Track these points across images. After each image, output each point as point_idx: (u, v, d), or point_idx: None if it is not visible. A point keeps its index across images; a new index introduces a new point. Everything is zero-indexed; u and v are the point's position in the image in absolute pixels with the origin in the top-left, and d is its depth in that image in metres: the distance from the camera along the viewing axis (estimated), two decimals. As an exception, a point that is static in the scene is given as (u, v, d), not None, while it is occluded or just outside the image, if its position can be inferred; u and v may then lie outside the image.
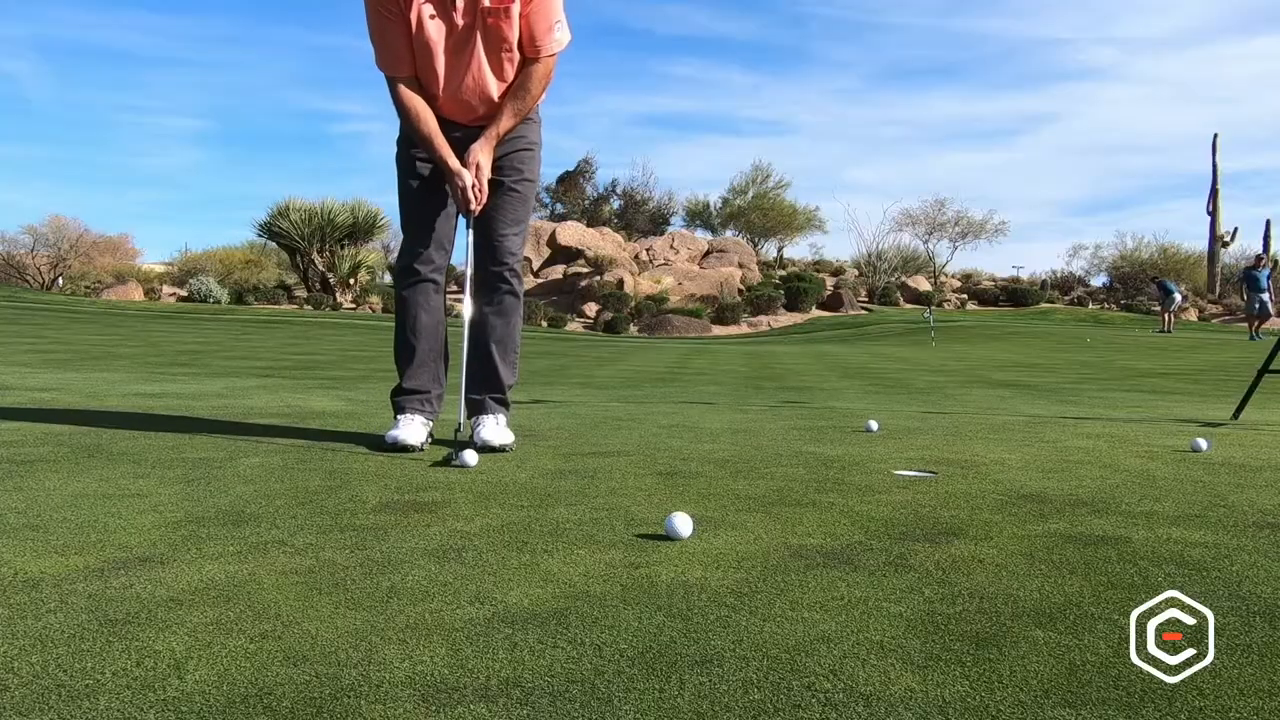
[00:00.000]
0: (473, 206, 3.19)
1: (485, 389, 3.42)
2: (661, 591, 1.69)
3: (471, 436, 3.32)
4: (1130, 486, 2.82)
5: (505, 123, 3.22)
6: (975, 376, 10.54)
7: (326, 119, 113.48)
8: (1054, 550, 2.03)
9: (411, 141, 3.31)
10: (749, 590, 1.71)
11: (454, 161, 3.17)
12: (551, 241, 35.89)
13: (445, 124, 3.22)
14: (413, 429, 3.25)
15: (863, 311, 36.73)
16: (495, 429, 3.33)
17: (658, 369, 10.88)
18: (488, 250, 3.35)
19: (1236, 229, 42.88)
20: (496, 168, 3.29)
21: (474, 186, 3.17)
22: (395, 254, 3.61)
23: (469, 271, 3.33)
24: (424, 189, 3.32)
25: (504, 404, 3.46)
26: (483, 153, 3.19)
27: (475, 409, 3.41)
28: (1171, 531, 2.23)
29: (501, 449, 3.23)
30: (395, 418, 3.37)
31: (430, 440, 3.33)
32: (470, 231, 3.33)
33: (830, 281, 40.76)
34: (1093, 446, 3.74)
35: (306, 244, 31.79)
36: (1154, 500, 2.61)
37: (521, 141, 3.35)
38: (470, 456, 2.91)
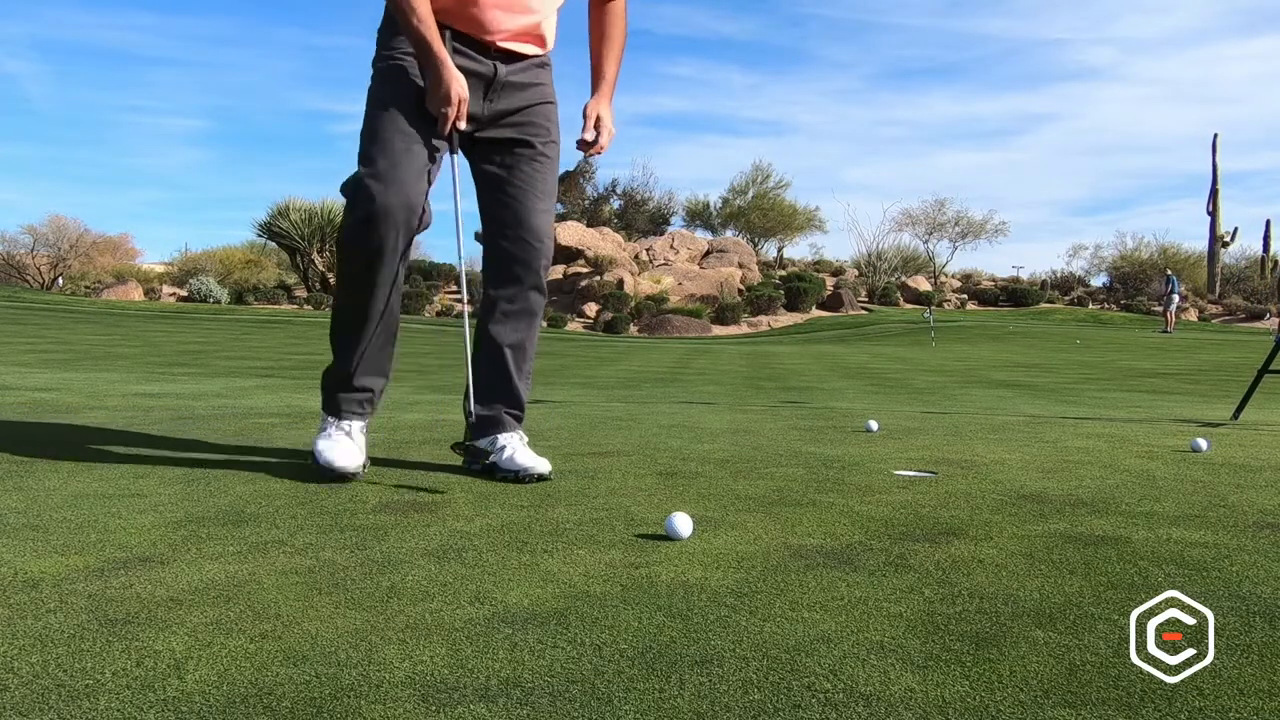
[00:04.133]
0: (461, 124, 2.55)
1: (501, 402, 2.77)
2: (661, 591, 1.69)
3: (485, 460, 2.72)
4: (1130, 486, 2.82)
5: (613, 70, 2.82)
6: (975, 377, 10.54)
7: (326, 119, 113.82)
8: (1054, 550, 2.03)
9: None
10: (749, 590, 1.71)
11: (448, 60, 2.49)
12: (551, 241, 35.81)
13: (475, 45, 2.61)
14: (348, 447, 2.59)
15: (863, 311, 36.74)
16: (527, 452, 2.70)
17: (658, 369, 10.88)
18: (515, 230, 2.69)
19: (1236, 229, 42.94)
20: (518, 124, 2.71)
21: (597, 145, 2.72)
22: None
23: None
24: (421, 104, 2.56)
25: (520, 421, 2.83)
26: (604, 107, 2.76)
27: (489, 426, 2.74)
28: (1171, 531, 2.23)
29: (544, 478, 2.65)
30: (326, 421, 2.63)
31: (368, 462, 2.66)
32: (486, 206, 2.71)
33: (830, 281, 40.79)
34: (1093, 446, 3.74)
35: (306, 244, 31.80)
36: (1154, 500, 2.61)
37: (539, 92, 2.75)
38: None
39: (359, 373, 2.63)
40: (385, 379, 2.73)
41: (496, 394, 2.76)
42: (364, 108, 2.59)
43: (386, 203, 2.45)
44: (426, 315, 30.98)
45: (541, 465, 2.67)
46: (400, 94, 2.55)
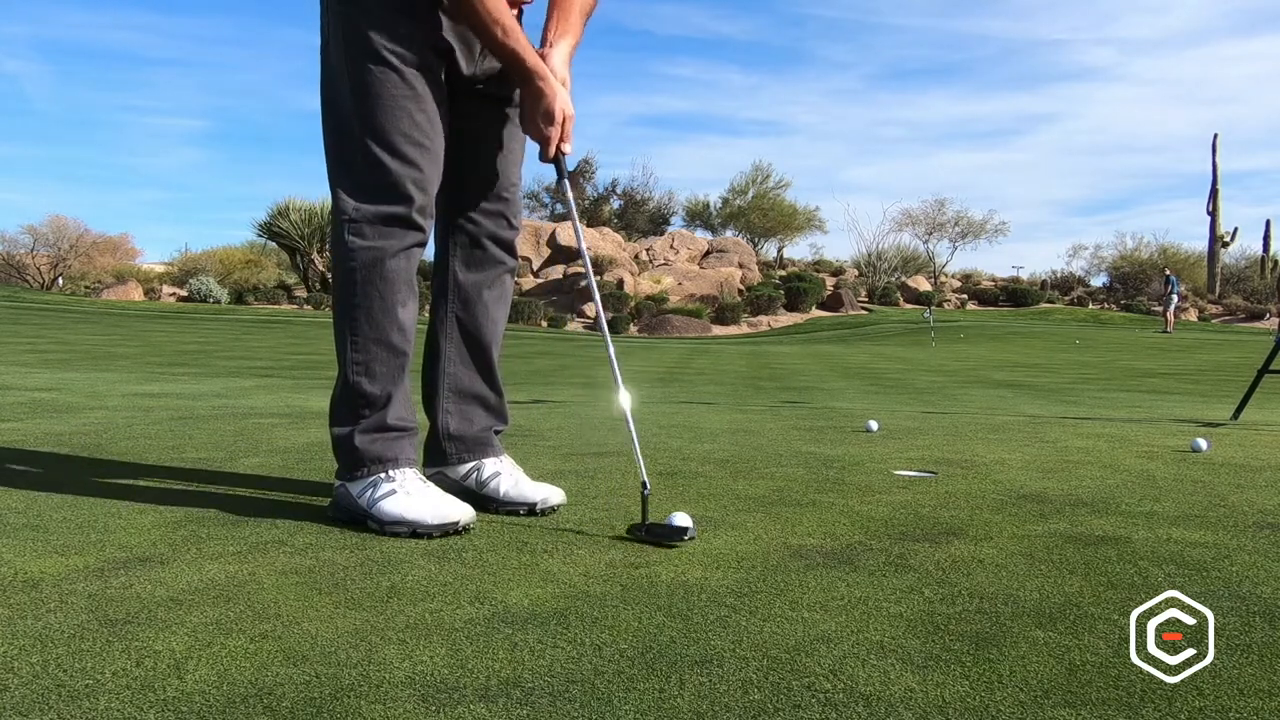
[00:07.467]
0: (567, 148, 2.22)
1: (491, 414, 2.41)
2: (661, 591, 1.69)
3: (477, 489, 2.32)
4: (1130, 486, 2.82)
5: (580, 24, 2.29)
6: (975, 377, 10.55)
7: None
8: (1054, 550, 2.03)
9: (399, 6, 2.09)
10: (749, 590, 1.71)
11: (548, 73, 2.14)
12: (551, 241, 35.90)
13: None
14: (439, 494, 2.14)
15: (863, 311, 36.76)
16: (529, 480, 2.34)
17: (658, 369, 10.89)
18: (491, 204, 2.33)
19: (1236, 229, 43.06)
20: (500, 78, 2.28)
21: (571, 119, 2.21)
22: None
23: (586, 268, 2.38)
24: (426, 88, 2.13)
25: (500, 434, 2.44)
26: (568, 69, 2.23)
27: (477, 449, 2.36)
28: (1171, 531, 2.23)
29: (556, 509, 2.31)
30: (388, 475, 2.12)
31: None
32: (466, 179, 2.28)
33: (830, 282, 40.84)
34: (1093, 446, 3.74)
35: (306, 244, 31.83)
36: (1154, 500, 2.61)
37: None
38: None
39: (395, 405, 2.20)
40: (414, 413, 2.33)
41: (488, 407, 2.38)
42: (358, 87, 2.08)
43: (416, 232, 2.15)
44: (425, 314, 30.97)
45: (554, 496, 2.31)
46: (420, 79, 2.12)
